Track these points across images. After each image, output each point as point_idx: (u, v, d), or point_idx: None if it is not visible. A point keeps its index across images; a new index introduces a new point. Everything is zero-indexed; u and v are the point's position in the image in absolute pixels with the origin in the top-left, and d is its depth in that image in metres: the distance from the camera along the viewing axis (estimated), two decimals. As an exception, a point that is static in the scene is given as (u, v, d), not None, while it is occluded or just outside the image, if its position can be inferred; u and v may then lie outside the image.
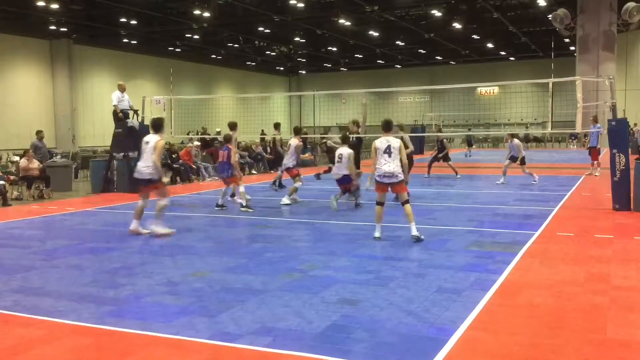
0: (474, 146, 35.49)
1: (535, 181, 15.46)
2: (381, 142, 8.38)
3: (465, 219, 10.09)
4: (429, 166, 17.99)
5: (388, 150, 8.26)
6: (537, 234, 8.65)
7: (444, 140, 17.90)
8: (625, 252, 7.46)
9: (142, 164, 8.91)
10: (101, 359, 4.23)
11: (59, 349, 4.41)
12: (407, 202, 8.31)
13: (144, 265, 7.01)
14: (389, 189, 8.41)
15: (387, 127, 8.63)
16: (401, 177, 8.28)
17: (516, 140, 16.04)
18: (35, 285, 6.15)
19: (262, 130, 26.28)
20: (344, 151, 11.32)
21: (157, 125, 9.18)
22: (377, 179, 8.34)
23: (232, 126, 12.68)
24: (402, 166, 8.32)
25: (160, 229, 8.73)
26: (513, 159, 15.87)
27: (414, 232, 8.15)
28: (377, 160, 8.33)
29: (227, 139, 11.89)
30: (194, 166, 18.89)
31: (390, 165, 8.21)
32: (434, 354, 4.15)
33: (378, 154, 8.33)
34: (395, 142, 8.35)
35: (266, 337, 4.51)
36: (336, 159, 11.41)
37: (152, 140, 8.90)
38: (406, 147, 10.59)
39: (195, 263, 7.08)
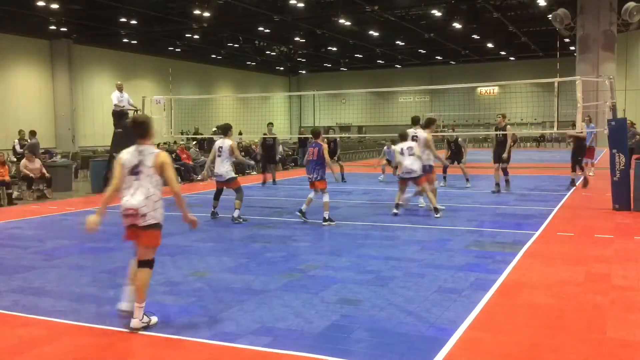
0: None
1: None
2: (401, 147, 10.55)
3: (465, 219, 10.10)
4: (445, 171, 15.63)
5: (410, 152, 10.38)
6: (537, 234, 8.65)
7: (459, 139, 16.22)
8: (625, 252, 7.46)
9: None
10: (101, 359, 4.23)
11: (59, 349, 4.41)
12: (423, 190, 10.58)
13: (144, 265, 6.99)
14: (410, 182, 10.50)
15: (403, 137, 10.70)
16: (419, 172, 10.32)
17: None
18: (35, 285, 6.15)
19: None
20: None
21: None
22: (401, 175, 10.51)
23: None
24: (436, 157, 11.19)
25: None
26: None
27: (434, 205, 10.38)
28: (401, 159, 10.42)
29: (316, 134, 10.13)
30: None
31: (412, 164, 10.29)
32: (434, 354, 4.15)
33: (403, 154, 10.41)
34: (413, 144, 10.52)
35: (266, 337, 4.51)
36: None
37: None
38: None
39: (195, 263, 7.08)
